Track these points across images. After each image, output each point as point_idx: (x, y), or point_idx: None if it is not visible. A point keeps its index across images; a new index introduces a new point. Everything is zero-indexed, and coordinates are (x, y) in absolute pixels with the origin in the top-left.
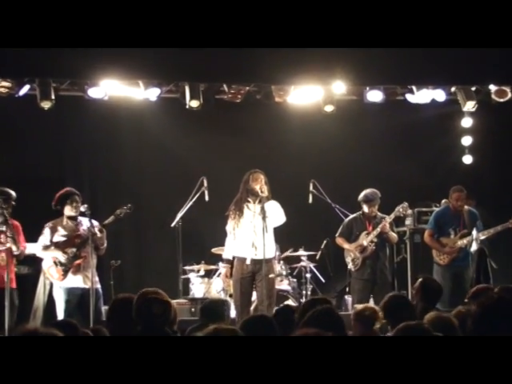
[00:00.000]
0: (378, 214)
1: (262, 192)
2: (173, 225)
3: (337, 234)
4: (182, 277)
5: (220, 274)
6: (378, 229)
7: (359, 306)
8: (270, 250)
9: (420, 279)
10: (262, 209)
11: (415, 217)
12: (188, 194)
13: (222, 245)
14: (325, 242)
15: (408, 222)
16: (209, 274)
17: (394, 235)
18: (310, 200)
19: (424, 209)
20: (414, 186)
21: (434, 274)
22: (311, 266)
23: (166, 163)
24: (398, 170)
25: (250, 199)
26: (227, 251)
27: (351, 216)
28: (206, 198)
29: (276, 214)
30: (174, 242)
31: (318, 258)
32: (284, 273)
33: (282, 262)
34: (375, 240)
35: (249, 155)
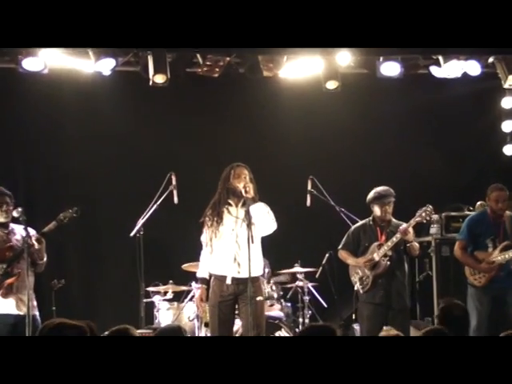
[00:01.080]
0: (393, 220)
1: (246, 192)
2: (132, 234)
3: (340, 246)
4: (145, 300)
5: (193, 297)
6: (394, 239)
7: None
8: (256, 265)
9: (441, 305)
10: (247, 213)
11: (443, 224)
12: (152, 194)
13: (196, 260)
14: (327, 255)
15: (433, 230)
16: (179, 298)
17: (414, 247)
18: (308, 202)
19: (454, 213)
20: (440, 184)
21: (468, 297)
22: (310, 286)
23: (123, 155)
24: (420, 163)
25: (231, 201)
26: (202, 268)
27: (359, 223)
28: (175, 200)
29: (264, 219)
30: (134, 257)
31: (318, 276)
32: (275, 295)
33: (272, 281)
34: (390, 253)
35: (230, 145)
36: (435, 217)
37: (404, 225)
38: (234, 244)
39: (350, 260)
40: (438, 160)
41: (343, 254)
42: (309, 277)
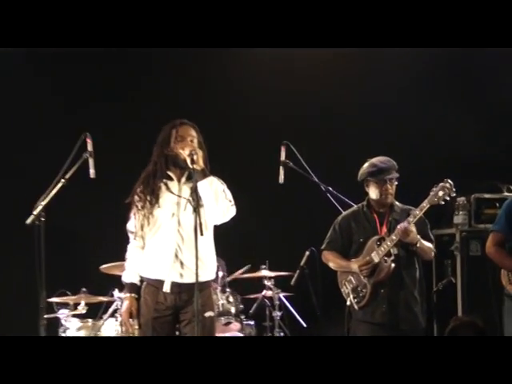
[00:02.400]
0: (397, 203)
1: (192, 161)
2: (29, 221)
3: (323, 245)
4: (47, 316)
5: (116, 311)
6: (394, 237)
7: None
8: (207, 266)
9: (448, 327)
10: (194, 191)
11: (472, 210)
12: (57, 166)
13: (121, 258)
14: (307, 254)
15: (459, 219)
16: (95, 312)
17: (424, 250)
18: (282, 178)
19: (488, 195)
20: (469, 155)
21: (504, 312)
22: (282, 297)
23: (15, 109)
24: (442, 128)
25: (171, 174)
26: (130, 270)
27: (348, 211)
28: (92, 174)
29: (219, 201)
30: (32, 253)
31: (294, 282)
32: (233, 309)
33: (229, 290)
34: (394, 252)
35: (171, 99)
36: (461, 200)
37: (414, 210)
38: (175, 235)
39: (338, 263)
40: (466, 124)
41: (328, 256)
42: (281, 284)
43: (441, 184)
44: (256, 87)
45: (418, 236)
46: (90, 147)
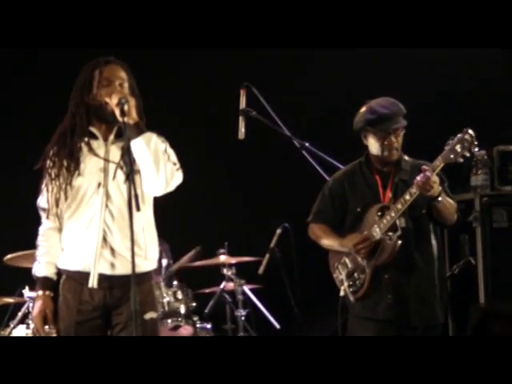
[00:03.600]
0: (406, 158)
1: (122, 112)
2: None
3: (310, 217)
4: None
5: (27, 315)
6: (408, 196)
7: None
8: (146, 253)
9: (472, 318)
10: (126, 153)
11: (495, 168)
12: None
13: (29, 247)
14: (278, 232)
15: (478, 179)
16: (0, 318)
17: (447, 207)
18: (242, 133)
19: None
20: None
21: None
22: (247, 289)
23: None
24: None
25: (94, 130)
26: (42, 260)
27: (342, 170)
28: None
29: (159, 164)
30: None
31: (262, 271)
32: (182, 309)
33: (176, 283)
34: (402, 224)
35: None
36: (480, 155)
37: (426, 166)
38: (103, 211)
39: (330, 241)
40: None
41: (317, 231)
42: (245, 273)
43: (459, 136)
44: None
45: (439, 189)
46: None
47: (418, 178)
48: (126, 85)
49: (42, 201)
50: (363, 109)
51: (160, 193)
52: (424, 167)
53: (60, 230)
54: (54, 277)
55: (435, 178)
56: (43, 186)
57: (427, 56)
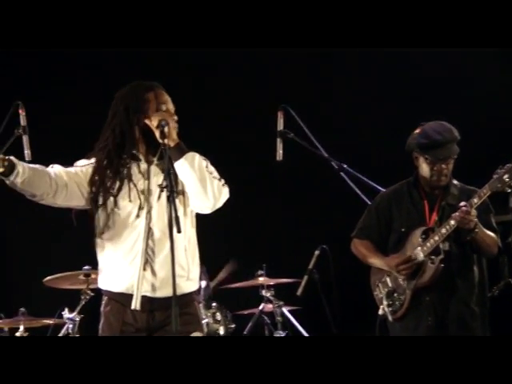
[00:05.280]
0: (455, 182)
1: (163, 135)
2: None
3: (354, 232)
4: None
5: (67, 336)
6: (448, 226)
7: None
8: (188, 274)
9: None
10: (168, 175)
11: None
12: None
13: (69, 268)
14: (316, 253)
15: None
16: None
17: (486, 240)
18: (280, 154)
19: None
20: None
21: None
22: (285, 311)
23: None
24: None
25: (137, 152)
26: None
27: (389, 189)
28: (26, 155)
29: (206, 182)
30: None
31: (300, 291)
32: (221, 330)
33: (215, 305)
34: (445, 248)
35: None
36: None
37: (476, 194)
38: (145, 233)
39: (373, 258)
40: None
41: (360, 247)
42: (284, 295)
43: (508, 165)
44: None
45: (476, 219)
46: (23, 121)
47: (455, 214)
48: (171, 109)
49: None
50: (417, 131)
51: (209, 210)
52: (462, 203)
53: (102, 249)
54: (16, 162)
55: (473, 215)
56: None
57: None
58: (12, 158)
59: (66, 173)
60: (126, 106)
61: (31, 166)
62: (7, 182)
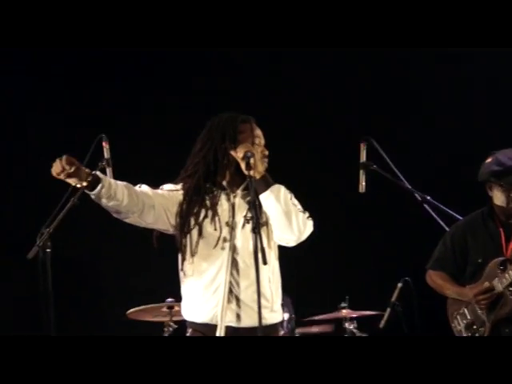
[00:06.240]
0: None
1: (248, 166)
2: (31, 255)
3: (429, 264)
4: None
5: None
6: None
7: None
8: (273, 305)
9: None
10: (253, 207)
11: None
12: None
13: (153, 300)
14: (399, 286)
15: None
16: None
17: None
18: (363, 187)
19: None
20: None
21: None
22: None
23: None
24: None
25: (224, 182)
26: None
27: (464, 219)
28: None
29: (291, 215)
30: (36, 298)
31: (383, 324)
32: None
33: (299, 335)
34: None
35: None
36: None
37: None
38: (230, 264)
39: (449, 289)
40: None
41: (435, 278)
42: (367, 327)
43: None
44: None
45: None
46: (107, 153)
47: None
48: (262, 142)
49: (184, 247)
50: (489, 160)
51: (294, 243)
52: None
53: (185, 278)
54: (101, 177)
55: None
56: (177, 233)
57: None
58: (97, 172)
59: (153, 193)
60: (222, 135)
61: (118, 182)
62: (92, 196)
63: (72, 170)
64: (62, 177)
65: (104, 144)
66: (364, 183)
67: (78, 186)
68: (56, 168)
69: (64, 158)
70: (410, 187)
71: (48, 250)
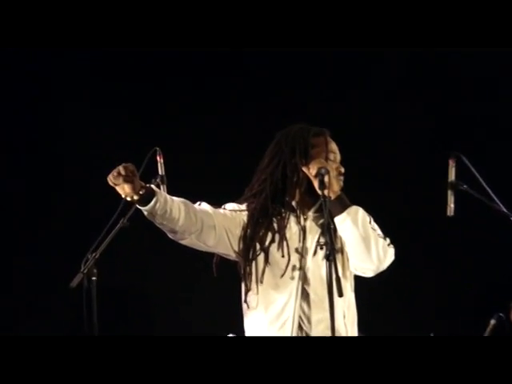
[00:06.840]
0: None
1: (322, 185)
2: (75, 283)
3: None
4: None
5: None
6: None
7: None
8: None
9: None
10: (327, 231)
11: None
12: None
13: (214, 334)
14: (492, 322)
15: None
16: None
17: None
18: (451, 210)
19: None
20: None
21: None
22: None
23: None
24: None
25: (293, 202)
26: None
27: None
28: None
29: (370, 242)
30: (80, 329)
31: None
32: None
33: None
34: None
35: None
36: None
37: None
38: (299, 296)
39: None
40: None
41: None
42: None
43: None
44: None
45: None
46: (161, 170)
47: None
48: (338, 159)
49: (251, 277)
50: None
51: (372, 273)
52: None
53: (248, 310)
54: (156, 191)
55: None
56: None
57: None
58: (152, 186)
59: (214, 212)
60: (292, 149)
61: (174, 198)
62: (145, 213)
63: (130, 175)
64: (119, 181)
65: (158, 158)
66: (453, 205)
67: (129, 198)
68: (115, 171)
69: (129, 164)
70: (505, 210)
71: (94, 278)
